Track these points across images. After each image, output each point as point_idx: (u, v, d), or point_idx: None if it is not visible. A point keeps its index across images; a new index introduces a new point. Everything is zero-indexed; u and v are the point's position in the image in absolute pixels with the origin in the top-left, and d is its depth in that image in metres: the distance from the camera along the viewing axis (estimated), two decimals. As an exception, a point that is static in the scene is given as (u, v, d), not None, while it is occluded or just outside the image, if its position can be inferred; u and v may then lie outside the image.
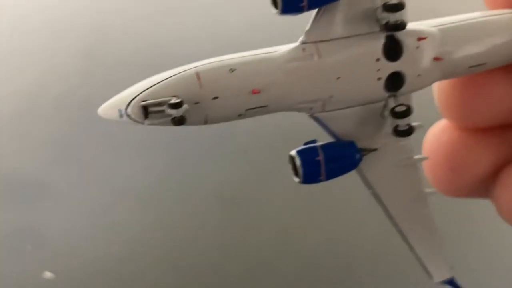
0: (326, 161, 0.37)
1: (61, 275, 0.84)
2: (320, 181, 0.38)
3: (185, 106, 0.33)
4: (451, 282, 0.46)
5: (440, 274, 0.45)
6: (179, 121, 0.33)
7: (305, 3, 0.33)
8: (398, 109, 0.37)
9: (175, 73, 0.34)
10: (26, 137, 1.06)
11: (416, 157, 0.42)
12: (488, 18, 0.40)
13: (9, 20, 1.34)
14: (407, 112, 0.37)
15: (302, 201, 0.90)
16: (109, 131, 1.04)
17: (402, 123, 0.38)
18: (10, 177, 0.99)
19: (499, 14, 0.40)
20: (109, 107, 0.35)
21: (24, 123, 1.09)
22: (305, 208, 0.90)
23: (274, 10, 0.34)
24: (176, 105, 0.33)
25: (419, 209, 0.43)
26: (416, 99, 0.39)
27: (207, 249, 0.87)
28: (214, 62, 0.35)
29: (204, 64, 0.35)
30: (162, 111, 0.33)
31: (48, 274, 0.84)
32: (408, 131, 0.38)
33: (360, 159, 0.39)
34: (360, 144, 0.39)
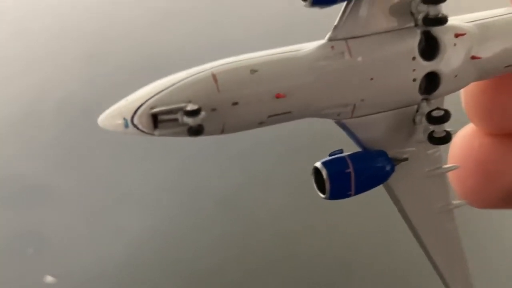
0: (357, 173, 0.33)
1: (62, 279, 0.84)
2: (348, 196, 0.34)
3: (203, 113, 0.28)
4: None
5: None
6: (196, 131, 0.28)
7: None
8: (436, 113, 0.33)
9: (188, 75, 0.30)
10: (28, 141, 1.07)
11: (446, 166, 0.38)
12: None
13: (11, 24, 1.34)
14: (445, 117, 0.34)
15: (302, 205, 0.90)
16: (110, 136, 1.04)
17: (439, 129, 0.34)
18: (12, 181, 0.99)
19: None
20: (111, 117, 0.30)
21: (26, 127, 1.09)
22: (305, 211, 0.90)
23: (302, 2, 0.31)
24: (193, 113, 0.28)
25: (445, 223, 0.39)
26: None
27: (207, 252, 0.87)
28: (232, 62, 0.30)
29: (221, 65, 0.30)
30: (175, 120, 0.29)
31: (49, 278, 0.84)
32: (445, 138, 0.34)
33: (392, 171, 0.35)
34: (389, 154, 0.35)
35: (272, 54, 0.31)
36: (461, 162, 0.39)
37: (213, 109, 0.29)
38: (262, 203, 0.93)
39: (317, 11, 0.32)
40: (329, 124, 0.35)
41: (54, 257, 0.87)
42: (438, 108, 0.34)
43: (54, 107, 1.12)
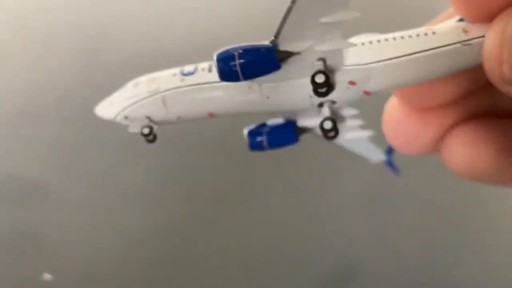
0: (268, 141, 0.49)
1: (60, 277, 0.84)
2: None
3: (155, 128, 0.46)
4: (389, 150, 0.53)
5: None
6: (151, 141, 0.47)
7: (241, 77, 0.41)
8: (325, 125, 0.43)
9: (148, 95, 0.47)
10: (26, 138, 1.06)
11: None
12: (427, 52, 0.43)
13: (9, 21, 1.34)
14: (333, 130, 0.43)
15: (302, 203, 0.90)
16: (109, 134, 1.03)
17: (329, 133, 0.44)
18: (10, 179, 0.99)
19: (443, 45, 0.43)
20: (102, 112, 0.50)
21: (24, 125, 1.09)
22: (305, 210, 0.90)
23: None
24: (147, 134, 0.46)
25: None
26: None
27: (206, 250, 0.87)
28: (180, 87, 0.46)
29: (170, 90, 0.46)
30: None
31: (47, 276, 0.84)
32: (333, 138, 0.44)
33: (296, 140, 0.48)
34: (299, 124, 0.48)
35: (211, 85, 0.45)
36: (390, 123, 0.50)
37: (163, 122, 0.47)
38: (262, 200, 0.93)
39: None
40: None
41: (52, 255, 0.87)
42: (329, 118, 0.43)
43: (53, 104, 1.11)
